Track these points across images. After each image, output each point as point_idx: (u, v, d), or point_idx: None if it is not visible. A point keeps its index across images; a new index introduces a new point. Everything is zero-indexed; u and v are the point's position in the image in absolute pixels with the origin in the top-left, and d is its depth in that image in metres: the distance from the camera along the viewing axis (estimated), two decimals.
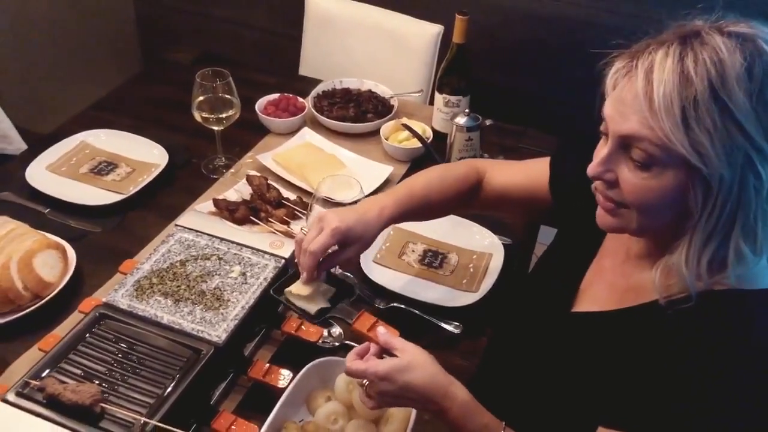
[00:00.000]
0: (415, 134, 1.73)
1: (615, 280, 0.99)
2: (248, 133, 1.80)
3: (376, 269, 1.41)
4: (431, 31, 2.15)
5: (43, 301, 1.28)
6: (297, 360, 1.14)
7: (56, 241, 1.36)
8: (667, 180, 0.80)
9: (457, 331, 1.28)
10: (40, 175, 1.62)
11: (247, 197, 1.55)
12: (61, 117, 1.93)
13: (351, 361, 0.97)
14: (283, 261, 1.23)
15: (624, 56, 0.83)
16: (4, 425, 0.95)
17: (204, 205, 1.53)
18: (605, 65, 0.86)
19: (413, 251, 1.47)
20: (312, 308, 1.10)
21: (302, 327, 1.21)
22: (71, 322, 1.24)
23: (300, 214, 1.49)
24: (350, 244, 1.10)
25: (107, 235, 1.49)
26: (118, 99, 1.99)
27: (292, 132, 1.81)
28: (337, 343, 1.24)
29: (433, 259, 1.45)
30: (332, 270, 1.28)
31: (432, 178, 1.24)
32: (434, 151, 1.70)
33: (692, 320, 0.84)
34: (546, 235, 1.41)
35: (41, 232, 1.37)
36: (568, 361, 0.99)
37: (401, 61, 2.20)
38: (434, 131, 1.81)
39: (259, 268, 1.22)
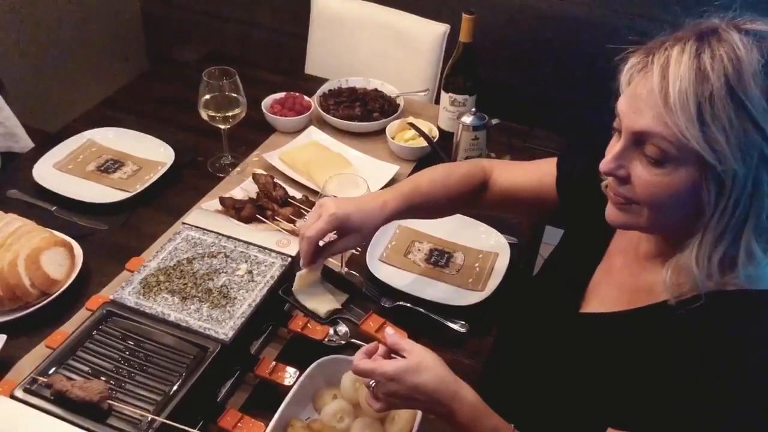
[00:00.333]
0: (421, 133, 1.73)
1: (624, 281, 0.98)
2: (254, 132, 1.80)
3: (382, 268, 1.41)
4: (438, 30, 2.15)
5: (51, 298, 1.28)
6: (303, 358, 1.14)
7: (63, 239, 1.36)
8: (680, 177, 0.79)
9: (463, 330, 1.28)
10: (48, 172, 1.62)
11: (254, 196, 1.55)
12: (68, 115, 1.93)
13: (359, 359, 0.97)
14: (289, 259, 1.24)
15: (639, 52, 0.83)
16: (12, 421, 0.96)
17: (210, 203, 1.54)
18: (620, 61, 0.85)
19: (419, 250, 1.47)
20: (322, 310, 1.10)
21: (308, 325, 1.21)
22: (78, 319, 1.24)
23: (306, 213, 1.49)
24: (348, 232, 1.10)
25: (114, 233, 1.49)
26: (124, 97, 1.99)
27: (298, 131, 1.81)
28: (343, 342, 1.24)
29: (439, 258, 1.45)
30: (339, 270, 1.29)
31: (437, 175, 1.24)
32: (440, 150, 1.70)
33: (702, 321, 0.84)
34: (551, 235, 1.41)
35: (48, 229, 1.37)
36: (576, 362, 0.99)
37: (407, 60, 2.20)
38: (440, 130, 1.80)
39: (265, 266, 1.22)
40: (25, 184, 1.59)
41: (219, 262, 1.23)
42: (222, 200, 1.51)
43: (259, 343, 1.22)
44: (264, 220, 1.48)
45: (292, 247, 1.26)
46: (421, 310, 1.30)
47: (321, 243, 1.11)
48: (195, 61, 2.12)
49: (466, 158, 1.65)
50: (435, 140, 1.73)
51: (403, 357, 0.95)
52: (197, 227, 1.30)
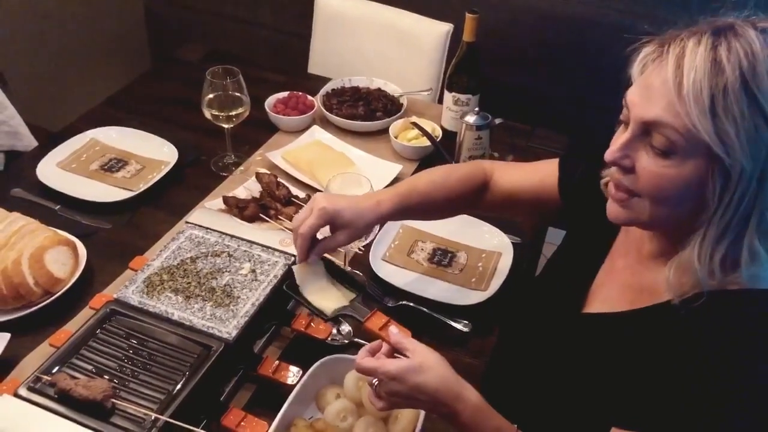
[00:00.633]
0: (424, 133, 1.73)
1: (627, 281, 0.98)
2: (257, 131, 1.81)
3: (385, 267, 1.41)
4: (441, 29, 2.15)
5: (54, 297, 1.29)
6: (306, 357, 1.14)
7: (67, 238, 1.36)
8: (686, 169, 0.79)
9: (466, 329, 1.28)
10: (51, 171, 1.63)
11: (257, 195, 1.56)
12: (71, 114, 1.93)
13: (362, 358, 0.97)
14: (293, 258, 1.24)
15: (653, 43, 0.83)
16: (16, 420, 0.96)
17: (214, 202, 1.54)
18: (632, 51, 0.85)
19: (422, 249, 1.47)
20: (328, 308, 1.10)
21: (312, 324, 1.21)
22: (82, 318, 1.24)
23: None
24: (339, 228, 1.10)
25: (117, 232, 1.50)
26: (127, 96, 2.00)
27: (302, 130, 1.81)
28: (346, 341, 1.24)
29: (443, 258, 1.45)
30: (344, 266, 1.29)
31: (436, 176, 1.24)
32: (443, 149, 1.70)
33: (705, 321, 0.83)
34: (554, 235, 1.42)
35: (52, 228, 1.37)
36: (579, 362, 0.99)
37: (411, 60, 2.20)
38: (443, 130, 1.81)
39: (269, 265, 1.22)
40: (28, 183, 1.59)
41: (222, 261, 1.23)
42: (225, 199, 1.51)
43: (262, 342, 1.22)
44: (267, 219, 1.48)
45: None
46: (424, 309, 1.30)
47: (319, 237, 1.11)
48: (198, 61, 2.13)
49: (469, 158, 1.65)
50: (438, 140, 1.73)
51: (407, 356, 0.95)
52: (201, 226, 1.30)
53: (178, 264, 1.22)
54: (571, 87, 2.46)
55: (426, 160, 1.73)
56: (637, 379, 0.88)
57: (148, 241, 1.45)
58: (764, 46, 0.76)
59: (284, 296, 1.15)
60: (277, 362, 1.15)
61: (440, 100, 1.94)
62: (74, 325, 1.20)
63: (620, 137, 0.85)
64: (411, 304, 1.31)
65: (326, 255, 1.15)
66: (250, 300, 1.15)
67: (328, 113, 1.84)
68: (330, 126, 1.84)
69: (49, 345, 1.16)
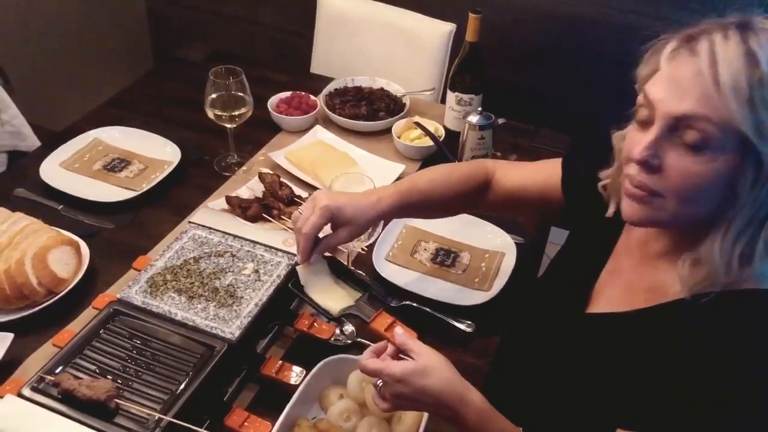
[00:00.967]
0: (427, 132, 1.72)
1: (631, 281, 0.98)
2: (260, 131, 1.81)
3: (388, 267, 1.41)
4: (444, 29, 2.15)
5: (57, 297, 1.29)
6: (309, 357, 1.14)
7: (70, 238, 1.36)
8: (718, 164, 0.78)
9: (469, 329, 1.28)
10: (54, 171, 1.63)
11: (260, 195, 1.56)
12: (74, 114, 1.94)
13: (367, 359, 0.97)
14: (296, 258, 1.23)
15: (674, 39, 0.82)
16: (20, 420, 0.96)
17: (217, 202, 1.54)
18: (649, 48, 0.85)
19: (425, 249, 1.47)
20: (334, 307, 1.10)
21: (315, 324, 1.21)
22: (85, 318, 1.24)
23: None
24: (341, 225, 1.10)
25: (120, 232, 1.50)
26: (130, 96, 2.00)
27: (304, 130, 1.81)
28: (349, 341, 1.24)
29: (446, 258, 1.45)
30: (348, 265, 1.29)
31: (437, 174, 1.23)
32: (446, 149, 1.70)
33: (711, 320, 0.83)
34: (557, 235, 1.41)
35: (55, 228, 1.37)
36: (583, 362, 0.98)
37: (413, 60, 2.20)
38: (446, 130, 1.80)
39: (272, 265, 1.22)
40: (31, 183, 1.59)
41: (225, 262, 1.23)
42: (228, 199, 1.51)
43: (265, 343, 1.22)
44: (270, 219, 1.48)
45: None
46: (427, 309, 1.30)
47: (320, 235, 1.11)
48: (201, 61, 2.13)
49: (472, 158, 1.65)
50: (441, 139, 1.73)
51: (412, 358, 0.95)
52: (204, 226, 1.30)
53: (181, 264, 1.22)
54: (574, 87, 2.45)
55: (429, 160, 1.73)
56: (642, 379, 0.87)
57: (151, 241, 1.45)
58: None
59: (287, 296, 1.15)
60: (280, 362, 1.15)
61: (443, 100, 1.93)
62: (77, 325, 1.20)
63: (644, 137, 0.83)
64: (414, 304, 1.31)
65: (329, 254, 1.15)
66: (253, 300, 1.15)
67: (330, 113, 1.84)
68: (333, 126, 1.84)
69: (53, 345, 1.16)
